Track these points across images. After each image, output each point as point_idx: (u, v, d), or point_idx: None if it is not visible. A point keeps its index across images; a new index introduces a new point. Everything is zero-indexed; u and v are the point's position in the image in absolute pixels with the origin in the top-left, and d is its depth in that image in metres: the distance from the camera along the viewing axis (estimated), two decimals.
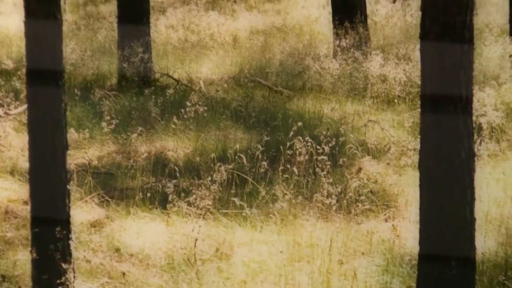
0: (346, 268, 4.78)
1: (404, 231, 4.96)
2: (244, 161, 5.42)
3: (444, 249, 4.25)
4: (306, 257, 4.93)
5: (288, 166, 5.30)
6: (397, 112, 7.27)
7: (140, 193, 5.47)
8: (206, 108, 6.65)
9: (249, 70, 8.58)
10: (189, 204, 5.11)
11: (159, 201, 5.40)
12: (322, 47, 9.41)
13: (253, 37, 9.65)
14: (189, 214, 5.13)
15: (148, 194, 5.45)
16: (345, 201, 5.05)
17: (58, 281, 4.44)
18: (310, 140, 5.35)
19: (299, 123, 5.69)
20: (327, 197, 4.90)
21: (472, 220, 4.17)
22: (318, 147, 5.30)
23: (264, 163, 5.34)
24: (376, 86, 7.64)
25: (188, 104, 6.53)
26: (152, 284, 4.73)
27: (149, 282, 4.75)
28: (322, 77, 8.01)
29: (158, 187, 5.61)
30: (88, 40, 9.32)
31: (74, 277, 4.56)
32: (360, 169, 5.63)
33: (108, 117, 6.34)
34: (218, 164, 5.30)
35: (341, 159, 5.54)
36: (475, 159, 4.24)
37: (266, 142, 5.80)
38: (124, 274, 4.80)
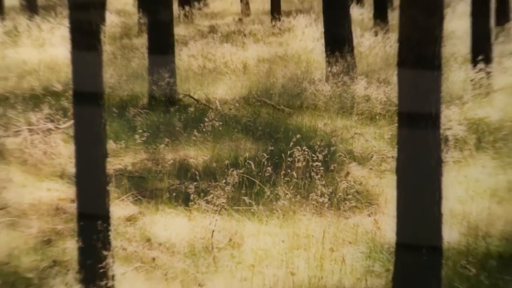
0: (336, 255, 4.78)
1: (384, 224, 4.97)
2: (253, 166, 5.42)
3: (416, 239, 4.31)
4: (303, 246, 4.92)
5: (289, 171, 5.26)
6: (378, 126, 7.23)
7: (167, 193, 5.49)
8: (221, 123, 6.62)
9: (256, 92, 8.37)
10: (207, 202, 5.15)
11: (183, 200, 5.39)
12: (316, 72, 9.41)
13: (260, 64, 9.64)
14: (207, 210, 5.13)
15: (174, 194, 5.45)
16: (335, 200, 5.05)
17: (100, 265, 4.51)
18: (306, 149, 5.35)
19: (298, 136, 5.70)
20: (321, 196, 4.92)
21: (440, 215, 4.26)
22: (313, 155, 5.30)
23: (269, 168, 5.32)
24: (361, 105, 7.65)
25: (206, 120, 6.52)
26: (177, 267, 4.72)
27: (174, 266, 4.75)
28: (317, 97, 7.71)
29: (181, 188, 5.61)
30: (123, 67, 9.33)
31: (113, 262, 4.59)
32: (348, 173, 5.56)
33: (140, 131, 6.38)
34: (231, 169, 5.35)
35: (332, 165, 5.48)
36: (442, 165, 4.29)
37: (271, 151, 5.77)
38: (154, 259, 4.82)
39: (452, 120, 5.92)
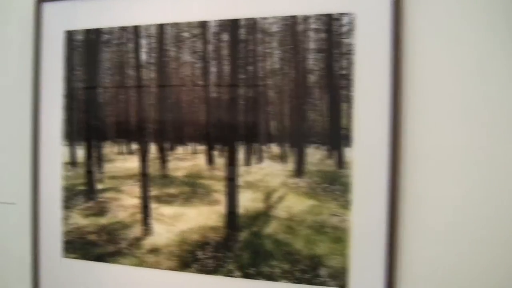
0: (210, 216, 8.50)
1: (222, 207, 9.70)
2: None
3: (231, 210, 7.49)
4: (201, 213, 9.51)
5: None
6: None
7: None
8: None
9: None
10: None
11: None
12: (203, 167, 14.93)
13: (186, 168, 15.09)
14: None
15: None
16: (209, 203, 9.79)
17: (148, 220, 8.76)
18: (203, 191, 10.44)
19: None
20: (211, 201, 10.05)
21: (237, 204, 6.58)
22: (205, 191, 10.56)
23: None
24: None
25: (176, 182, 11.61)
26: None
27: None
28: (203, 175, 13.25)
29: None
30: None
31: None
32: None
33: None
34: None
35: (210, 195, 10.75)
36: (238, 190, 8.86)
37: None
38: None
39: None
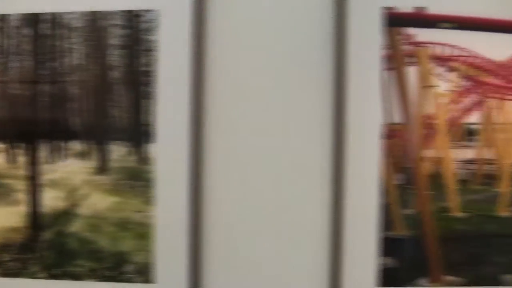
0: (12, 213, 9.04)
1: (24, 207, 9.43)
2: None
3: (34, 208, 8.12)
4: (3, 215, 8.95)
5: None
6: None
7: None
8: None
9: None
10: None
11: None
12: None
13: None
14: None
15: None
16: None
17: None
18: None
19: None
20: (12, 201, 9.37)
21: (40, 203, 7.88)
22: None
23: None
24: None
25: None
26: None
27: None
28: None
29: None
30: None
31: None
32: None
33: None
34: None
35: None
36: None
37: None
38: None
39: None
